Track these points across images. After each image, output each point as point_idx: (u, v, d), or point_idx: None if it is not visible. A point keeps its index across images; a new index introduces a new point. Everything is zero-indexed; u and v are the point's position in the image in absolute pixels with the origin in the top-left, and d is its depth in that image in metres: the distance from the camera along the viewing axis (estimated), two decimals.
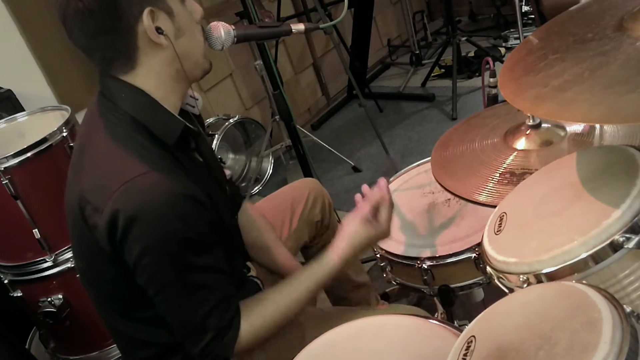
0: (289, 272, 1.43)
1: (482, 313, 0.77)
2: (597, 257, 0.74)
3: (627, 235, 0.73)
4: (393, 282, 1.43)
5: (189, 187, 1.01)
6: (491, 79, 1.46)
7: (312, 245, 1.64)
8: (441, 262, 1.27)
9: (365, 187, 1.23)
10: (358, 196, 1.22)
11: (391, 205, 1.20)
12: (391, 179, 1.61)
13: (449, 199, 1.44)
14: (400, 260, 1.35)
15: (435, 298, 1.43)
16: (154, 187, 0.97)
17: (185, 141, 1.11)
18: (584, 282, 0.72)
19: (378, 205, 1.18)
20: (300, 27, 1.25)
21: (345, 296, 1.66)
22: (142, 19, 0.99)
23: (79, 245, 1.13)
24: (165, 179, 0.98)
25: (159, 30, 1.01)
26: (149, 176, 0.97)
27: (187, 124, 1.10)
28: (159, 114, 1.07)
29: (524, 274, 0.79)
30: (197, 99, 1.25)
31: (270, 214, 1.54)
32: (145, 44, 1.02)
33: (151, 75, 1.06)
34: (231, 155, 3.12)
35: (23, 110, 2.00)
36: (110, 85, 1.06)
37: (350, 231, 1.17)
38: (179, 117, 1.10)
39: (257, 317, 1.12)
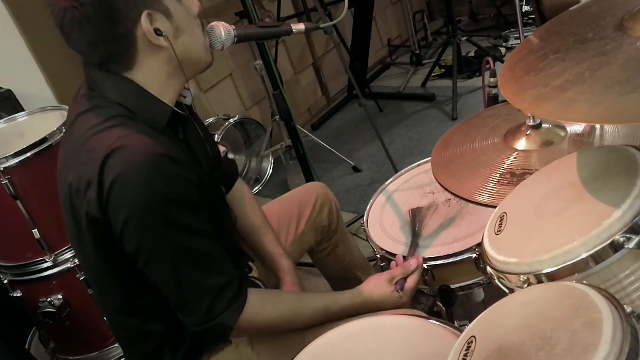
0: (273, 259, 1.44)
1: (482, 313, 0.77)
2: (597, 257, 0.74)
3: (628, 235, 0.73)
4: None
5: (170, 149, 1.00)
6: (491, 79, 1.46)
7: (318, 249, 1.65)
8: (441, 262, 1.27)
9: (399, 257, 1.30)
10: (399, 259, 1.30)
11: (418, 281, 1.27)
12: (391, 180, 1.61)
13: (449, 199, 1.44)
14: None
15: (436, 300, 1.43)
16: (135, 148, 0.97)
17: (173, 130, 1.11)
18: (584, 282, 0.72)
19: (408, 274, 1.25)
20: (300, 27, 1.25)
21: None
22: (140, 23, 0.99)
23: (75, 236, 1.11)
24: (146, 140, 0.98)
25: (157, 32, 1.01)
26: (131, 137, 0.98)
27: (176, 109, 1.09)
28: (146, 99, 1.06)
29: (524, 274, 0.79)
30: (189, 89, 1.24)
31: (277, 217, 1.54)
32: (145, 46, 1.02)
33: (148, 74, 1.05)
34: (231, 155, 3.12)
35: (23, 110, 2.01)
36: (95, 77, 1.06)
37: (375, 281, 1.25)
38: (167, 102, 1.09)
39: (270, 304, 1.14)
